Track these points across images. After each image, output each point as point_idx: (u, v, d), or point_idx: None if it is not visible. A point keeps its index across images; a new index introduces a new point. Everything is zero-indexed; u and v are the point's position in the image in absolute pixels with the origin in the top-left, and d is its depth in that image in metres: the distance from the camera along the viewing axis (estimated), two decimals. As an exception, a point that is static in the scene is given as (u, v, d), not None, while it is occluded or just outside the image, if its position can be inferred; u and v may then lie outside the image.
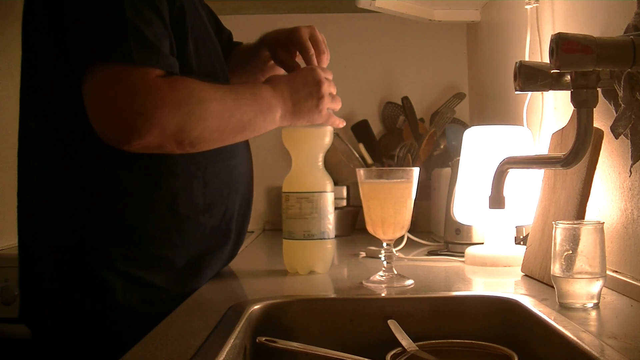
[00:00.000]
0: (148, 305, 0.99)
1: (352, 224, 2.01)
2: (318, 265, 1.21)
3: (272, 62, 1.26)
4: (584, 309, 0.86)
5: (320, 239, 1.20)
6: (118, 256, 0.97)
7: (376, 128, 2.22)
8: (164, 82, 0.90)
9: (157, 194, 0.99)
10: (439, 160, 1.96)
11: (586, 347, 0.69)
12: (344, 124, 1.21)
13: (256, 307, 0.93)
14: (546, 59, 0.83)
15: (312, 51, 1.17)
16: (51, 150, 0.99)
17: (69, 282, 0.98)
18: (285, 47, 1.20)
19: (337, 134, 2.07)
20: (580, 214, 1.01)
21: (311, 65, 1.17)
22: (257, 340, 0.84)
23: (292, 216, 1.19)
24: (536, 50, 1.37)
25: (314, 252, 1.21)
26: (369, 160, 2.08)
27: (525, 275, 1.15)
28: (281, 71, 1.25)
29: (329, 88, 1.14)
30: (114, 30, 0.86)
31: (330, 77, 1.16)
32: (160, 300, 1.00)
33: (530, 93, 1.39)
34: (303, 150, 1.18)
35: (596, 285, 0.86)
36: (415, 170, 1.12)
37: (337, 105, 1.17)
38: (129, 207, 0.98)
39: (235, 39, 2.23)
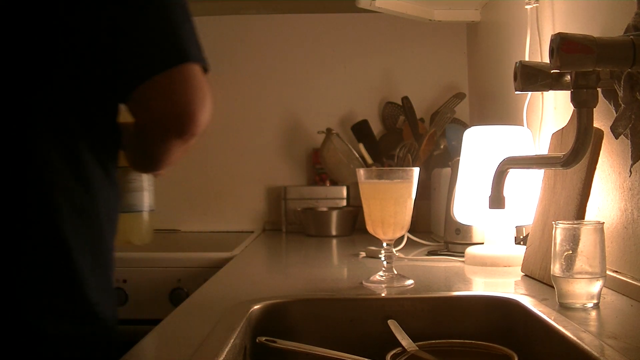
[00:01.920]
0: None
1: (352, 224, 2.01)
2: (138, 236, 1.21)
3: None
4: (584, 309, 0.86)
5: (151, 210, 1.19)
6: None
7: (376, 128, 2.23)
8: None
9: None
10: (439, 160, 1.96)
11: (586, 347, 0.69)
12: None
13: (256, 307, 0.93)
14: (546, 59, 0.83)
15: None
16: None
17: None
18: None
19: (337, 134, 2.07)
20: (580, 214, 1.01)
21: None
22: (257, 340, 0.84)
23: (135, 189, 1.17)
24: (536, 50, 1.37)
25: (146, 223, 1.20)
26: (369, 160, 2.08)
27: (525, 275, 1.15)
28: None
29: None
30: (193, 33, 0.89)
31: None
32: None
33: (530, 93, 1.39)
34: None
35: (596, 285, 0.86)
36: (415, 170, 1.12)
37: None
38: None
39: (235, 39, 2.23)
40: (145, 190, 1.18)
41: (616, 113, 0.87)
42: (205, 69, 0.89)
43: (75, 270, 0.83)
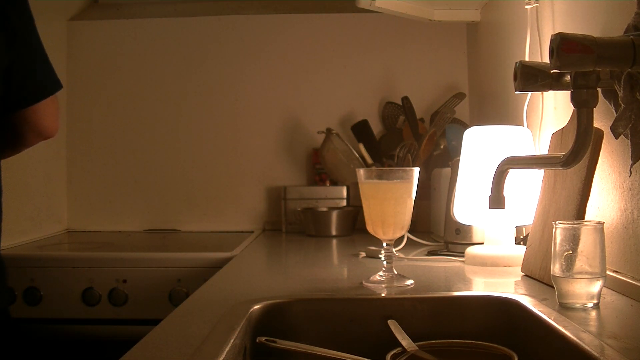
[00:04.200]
0: None
1: (352, 224, 2.01)
2: None
3: None
4: (584, 309, 0.86)
5: None
6: None
7: (376, 128, 2.23)
8: None
9: None
10: (439, 160, 1.96)
11: (586, 347, 0.69)
12: None
13: (256, 307, 0.93)
14: (546, 59, 0.83)
15: None
16: None
17: None
18: None
19: (337, 134, 2.07)
20: (580, 214, 1.01)
21: None
22: (257, 340, 0.84)
23: None
24: (536, 50, 1.37)
25: None
26: (369, 160, 2.08)
27: (525, 275, 1.15)
28: None
29: None
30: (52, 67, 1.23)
31: None
32: None
33: (530, 93, 1.39)
34: None
35: (596, 285, 0.86)
36: (415, 170, 1.12)
37: None
38: None
39: (235, 39, 2.27)
40: None
41: (616, 113, 0.87)
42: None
43: None
